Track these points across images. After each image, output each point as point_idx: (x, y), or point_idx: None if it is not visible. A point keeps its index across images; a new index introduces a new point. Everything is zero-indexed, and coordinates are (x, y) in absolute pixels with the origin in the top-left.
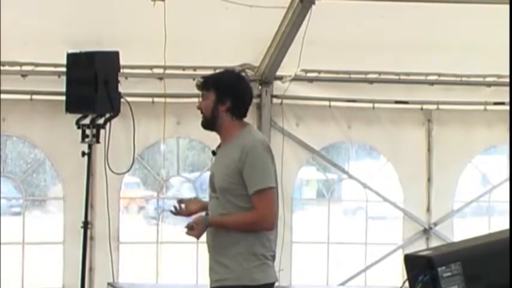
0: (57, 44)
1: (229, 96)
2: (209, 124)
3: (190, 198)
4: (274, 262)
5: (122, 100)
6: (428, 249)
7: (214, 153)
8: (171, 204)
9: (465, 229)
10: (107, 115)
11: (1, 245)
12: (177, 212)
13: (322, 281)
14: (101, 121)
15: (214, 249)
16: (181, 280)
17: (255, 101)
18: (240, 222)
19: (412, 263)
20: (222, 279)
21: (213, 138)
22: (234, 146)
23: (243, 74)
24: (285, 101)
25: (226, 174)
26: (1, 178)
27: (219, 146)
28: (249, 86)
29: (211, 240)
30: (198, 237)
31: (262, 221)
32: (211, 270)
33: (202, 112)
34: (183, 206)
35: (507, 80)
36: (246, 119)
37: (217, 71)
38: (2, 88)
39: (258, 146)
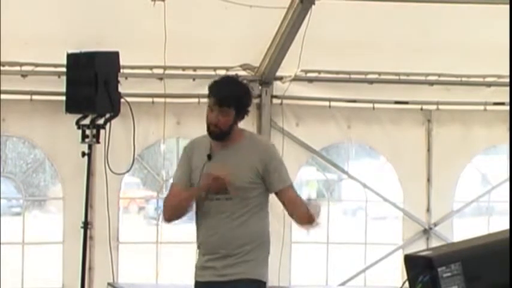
0: (57, 44)
1: (246, 112)
2: (224, 136)
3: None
4: None
5: (122, 100)
6: (428, 249)
7: (209, 157)
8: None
9: (465, 229)
10: (107, 115)
11: (1, 245)
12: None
13: (321, 281)
14: (101, 121)
15: (228, 245)
16: (181, 280)
17: (255, 101)
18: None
19: (412, 263)
20: (242, 272)
21: None
22: (244, 148)
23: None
24: (285, 101)
25: (247, 176)
26: (1, 178)
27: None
28: None
29: (227, 233)
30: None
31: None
32: (226, 263)
33: (217, 125)
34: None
35: (507, 80)
36: (246, 119)
37: (227, 79)
38: (2, 88)
39: (273, 146)
